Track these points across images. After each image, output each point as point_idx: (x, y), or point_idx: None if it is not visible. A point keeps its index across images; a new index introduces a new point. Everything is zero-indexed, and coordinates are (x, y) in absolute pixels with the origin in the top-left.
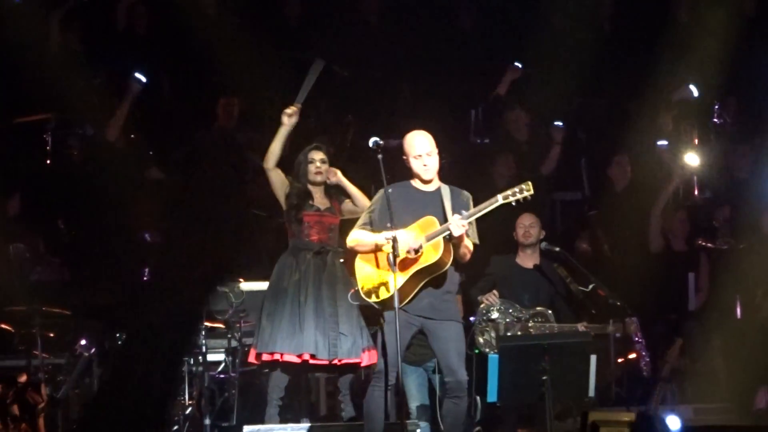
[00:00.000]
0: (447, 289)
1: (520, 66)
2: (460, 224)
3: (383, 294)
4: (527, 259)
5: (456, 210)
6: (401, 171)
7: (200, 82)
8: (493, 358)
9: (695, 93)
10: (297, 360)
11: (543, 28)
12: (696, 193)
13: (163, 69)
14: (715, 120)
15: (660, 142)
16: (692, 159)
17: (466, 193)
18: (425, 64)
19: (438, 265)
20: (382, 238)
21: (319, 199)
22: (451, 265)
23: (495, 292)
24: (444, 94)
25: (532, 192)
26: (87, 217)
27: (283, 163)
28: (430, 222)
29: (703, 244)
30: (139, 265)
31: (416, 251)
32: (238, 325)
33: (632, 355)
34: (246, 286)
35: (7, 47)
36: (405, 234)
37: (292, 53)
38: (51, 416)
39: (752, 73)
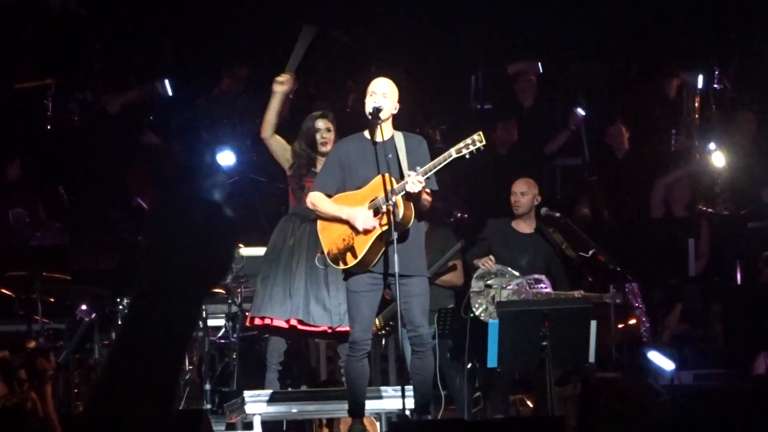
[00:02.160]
0: (412, 243)
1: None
2: (416, 181)
3: (350, 260)
4: (523, 225)
5: (412, 159)
6: None
7: (204, 47)
8: (494, 323)
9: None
10: (285, 325)
11: None
12: (698, 157)
13: (165, 33)
14: (716, 86)
15: None
16: (718, 159)
17: (418, 138)
18: (425, 28)
19: (401, 224)
20: (344, 214)
21: (322, 165)
22: (414, 219)
23: (491, 257)
24: (443, 58)
25: (484, 143)
26: (87, 182)
27: (284, 126)
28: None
29: (704, 209)
30: (138, 230)
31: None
32: (238, 290)
33: (632, 321)
34: (246, 251)
35: (7, 11)
36: (362, 212)
37: (295, 19)
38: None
39: (753, 37)
